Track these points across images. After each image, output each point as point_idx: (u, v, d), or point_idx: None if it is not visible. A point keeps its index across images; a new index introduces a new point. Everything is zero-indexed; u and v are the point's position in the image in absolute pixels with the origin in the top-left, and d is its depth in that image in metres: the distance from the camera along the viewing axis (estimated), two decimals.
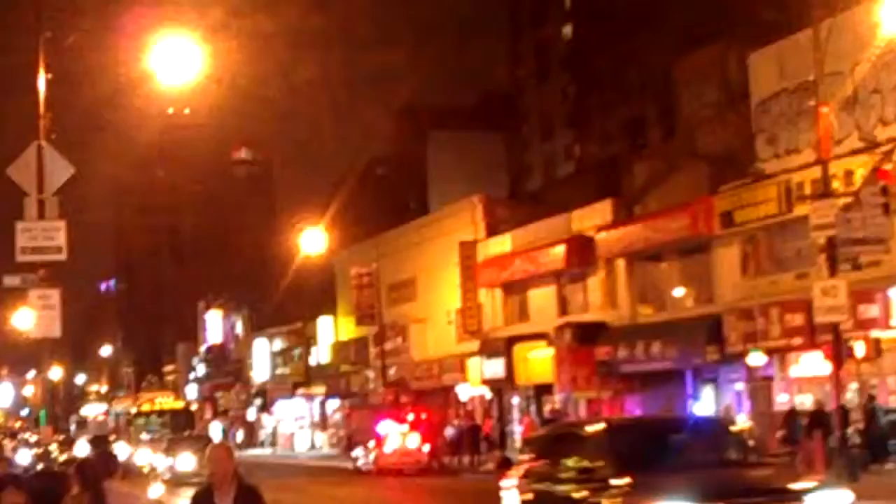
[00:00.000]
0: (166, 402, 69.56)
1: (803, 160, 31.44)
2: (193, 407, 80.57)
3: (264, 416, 78.38)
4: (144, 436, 59.07)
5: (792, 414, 30.56)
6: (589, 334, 40.04)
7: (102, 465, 9.58)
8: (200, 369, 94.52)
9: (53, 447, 32.82)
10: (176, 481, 36.28)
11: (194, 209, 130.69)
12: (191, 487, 32.70)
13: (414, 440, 42.91)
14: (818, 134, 27.18)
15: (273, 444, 75.48)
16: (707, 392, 37.41)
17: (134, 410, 66.84)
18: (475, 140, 66.95)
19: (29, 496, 7.50)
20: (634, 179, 41.88)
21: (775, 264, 34.23)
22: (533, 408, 45.45)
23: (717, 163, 36.64)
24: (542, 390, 45.05)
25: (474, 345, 48.66)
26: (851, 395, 29.91)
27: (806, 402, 31.86)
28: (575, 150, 63.15)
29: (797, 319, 31.22)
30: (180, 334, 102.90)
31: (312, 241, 57.04)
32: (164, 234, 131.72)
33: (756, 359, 33.30)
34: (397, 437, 43.02)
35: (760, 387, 34.57)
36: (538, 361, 44.38)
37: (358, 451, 46.13)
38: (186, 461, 39.98)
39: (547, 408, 43.21)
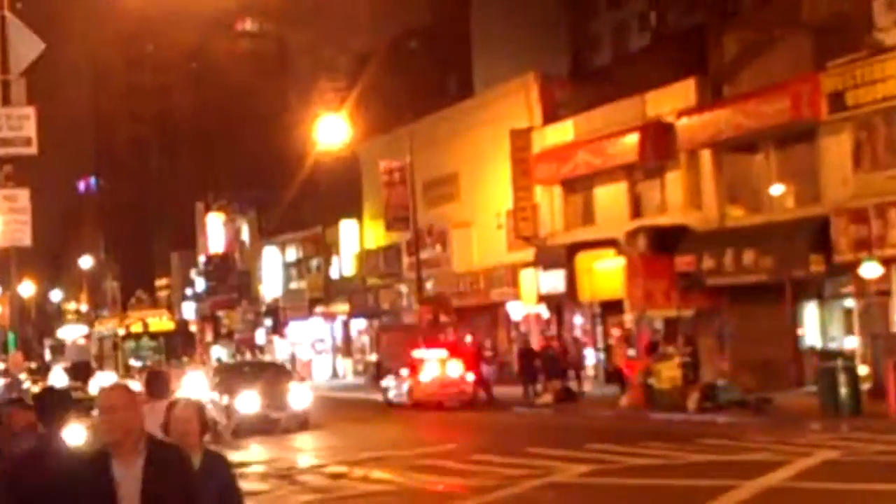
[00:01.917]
0: (160, 321, 69.85)
1: None
2: (193, 328, 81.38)
3: (276, 340, 79.24)
4: (134, 362, 59.63)
5: None
6: (667, 241, 40.09)
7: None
8: (199, 284, 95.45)
9: (24, 376, 33.27)
10: (235, 431, 34.94)
11: (190, 92, 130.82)
12: (256, 439, 32.62)
13: (456, 368, 43.34)
14: None
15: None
16: (810, 310, 37.49)
17: (121, 332, 67.20)
18: (529, 6, 66.43)
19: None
20: (723, 54, 41.58)
21: (895, 155, 34.04)
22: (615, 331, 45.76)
23: (824, 33, 36.27)
24: (610, 308, 45.28)
25: (528, 254, 48.84)
26: None
27: None
28: (651, 18, 62.58)
29: None
30: (175, 242, 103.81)
31: (333, 129, 57.01)
32: (153, 122, 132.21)
33: (870, 270, 33.24)
34: (436, 364, 43.46)
35: (875, 304, 34.57)
36: (605, 273, 44.54)
37: (388, 381, 46.67)
38: (249, 400, 36.95)
39: (615, 332, 43.49)
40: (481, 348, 46.74)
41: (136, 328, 67.95)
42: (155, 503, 7.11)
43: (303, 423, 36.73)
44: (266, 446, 32.52)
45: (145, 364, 56.90)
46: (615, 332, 43.56)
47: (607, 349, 46.00)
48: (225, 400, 37.09)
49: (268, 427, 35.89)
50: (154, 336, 66.17)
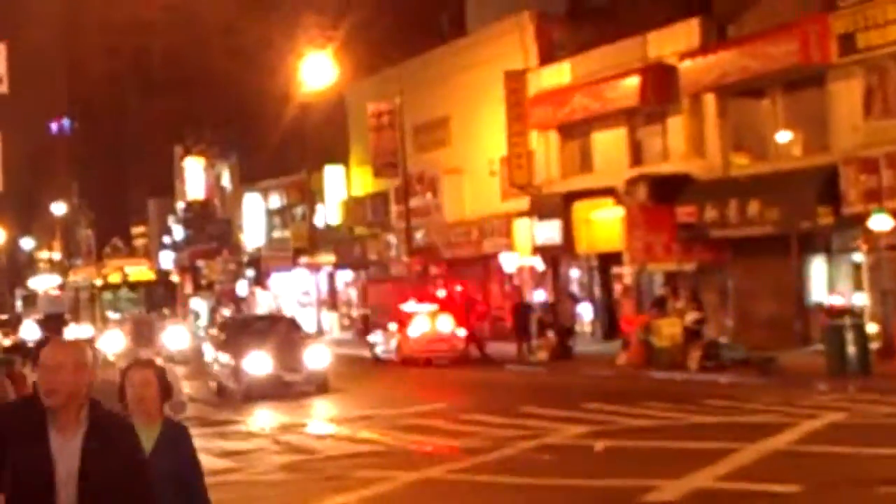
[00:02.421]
0: (139, 271, 69.57)
1: None
2: (174, 278, 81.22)
3: (258, 291, 79.24)
4: (112, 314, 59.46)
5: None
6: (669, 190, 40.15)
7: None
8: (177, 232, 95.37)
9: None
10: (246, 395, 34.04)
11: (168, 27, 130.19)
12: (267, 404, 32.32)
13: (446, 323, 43.46)
14: None
15: None
16: (817, 264, 37.58)
17: (99, 283, 66.84)
18: None
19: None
20: None
21: None
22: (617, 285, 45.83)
23: None
24: (609, 260, 45.38)
25: (523, 203, 48.87)
26: None
27: None
28: None
29: None
30: (152, 188, 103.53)
31: (318, 70, 56.92)
32: (129, 59, 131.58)
33: (880, 222, 33.28)
34: (425, 318, 43.57)
35: (886, 258, 34.65)
36: (603, 224, 44.62)
37: (376, 336, 46.85)
38: (260, 361, 34.82)
39: (617, 287, 43.59)
40: (474, 302, 46.85)
41: (115, 278, 67.53)
42: (95, 485, 6.24)
43: (321, 386, 34.69)
44: (279, 411, 31.10)
45: (124, 317, 56.82)
46: (618, 287, 43.68)
47: (607, 304, 46.14)
48: (231, 361, 35.34)
49: (282, 391, 33.89)
50: (133, 286, 65.73)
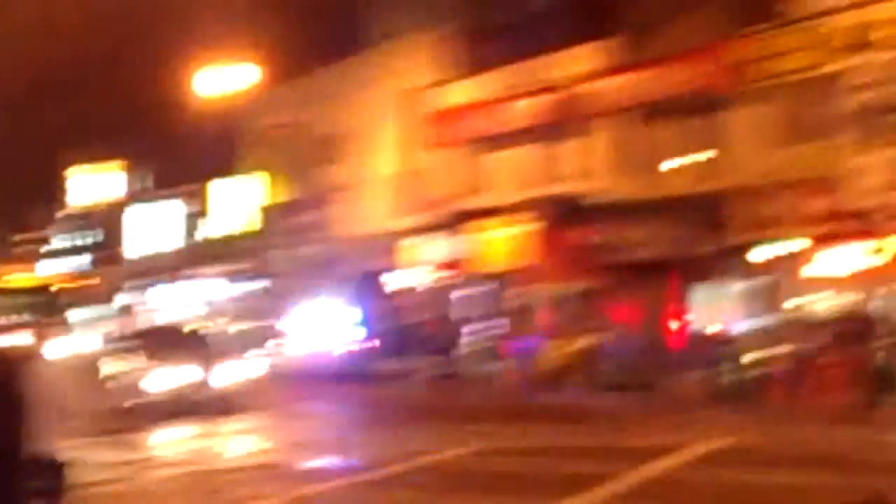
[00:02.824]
0: (23, 278, 67.44)
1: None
2: (54, 287, 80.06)
3: (140, 304, 78.56)
4: None
5: None
6: (560, 212, 40.51)
7: None
8: (59, 241, 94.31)
9: None
10: (142, 415, 31.39)
11: (57, 31, 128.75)
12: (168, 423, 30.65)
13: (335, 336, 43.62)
14: None
15: None
16: (700, 292, 38.01)
17: None
18: None
19: None
20: (630, 18, 41.93)
21: (796, 133, 34.69)
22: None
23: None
24: (498, 280, 45.60)
25: (415, 220, 48.97)
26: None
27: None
28: None
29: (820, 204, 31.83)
30: (33, 194, 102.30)
31: (210, 81, 56.85)
32: (23, 61, 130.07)
33: (762, 252, 33.91)
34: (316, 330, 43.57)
35: (766, 287, 35.12)
36: (496, 243, 44.80)
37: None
38: (159, 378, 32.77)
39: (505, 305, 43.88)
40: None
41: None
42: None
43: (225, 406, 31.94)
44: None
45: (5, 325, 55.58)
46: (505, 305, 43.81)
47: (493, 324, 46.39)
48: (130, 376, 33.15)
49: (183, 410, 31.38)
50: (14, 293, 63.32)
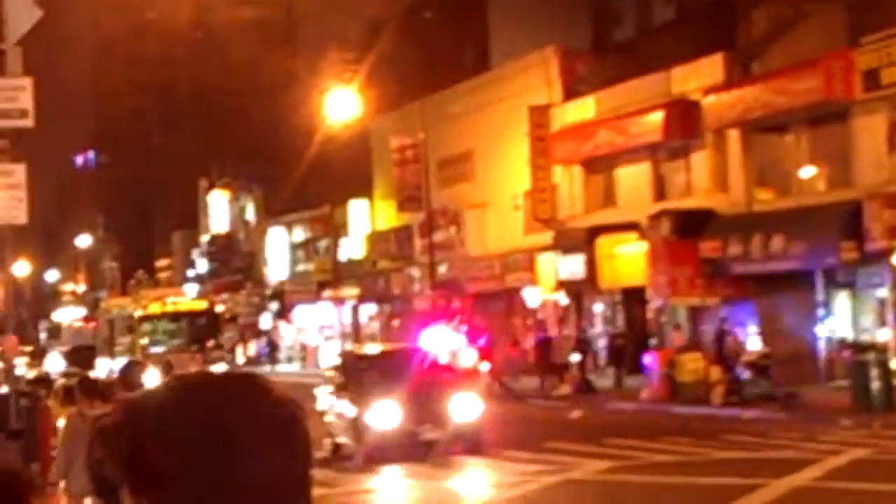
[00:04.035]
0: (183, 301, 65.58)
1: None
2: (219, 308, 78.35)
3: (282, 325, 79.21)
4: (154, 348, 55.75)
5: None
6: (692, 225, 40.05)
7: None
8: (202, 265, 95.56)
9: (22, 360, 32.82)
10: (369, 455, 26.03)
11: (193, 63, 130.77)
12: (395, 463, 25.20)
13: (469, 357, 43.27)
14: None
15: (303, 358, 75.80)
16: (841, 300, 37.43)
17: (139, 313, 63.25)
18: None
19: None
20: (752, 29, 41.49)
21: None
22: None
23: (857, 7, 36.21)
24: (632, 295, 45.25)
25: (546, 237, 48.84)
26: None
27: None
28: None
29: None
30: (176, 221, 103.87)
31: (342, 104, 57.00)
32: (155, 94, 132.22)
33: None
34: (446, 352, 43.32)
35: None
36: (627, 259, 44.52)
37: None
38: (386, 412, 26.38)
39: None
40: (499, 338, 46.66)
41: (155, 309, 62.87)
42: None
43: (472, 446, 26.41)
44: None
45: (167, 350, 54.00)
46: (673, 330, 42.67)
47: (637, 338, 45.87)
48: (352, 411, 27.04)
49: (416, 450, 26.01)
50: (176, 317, 61.27)
